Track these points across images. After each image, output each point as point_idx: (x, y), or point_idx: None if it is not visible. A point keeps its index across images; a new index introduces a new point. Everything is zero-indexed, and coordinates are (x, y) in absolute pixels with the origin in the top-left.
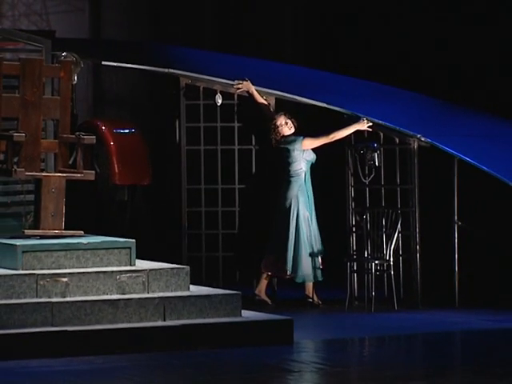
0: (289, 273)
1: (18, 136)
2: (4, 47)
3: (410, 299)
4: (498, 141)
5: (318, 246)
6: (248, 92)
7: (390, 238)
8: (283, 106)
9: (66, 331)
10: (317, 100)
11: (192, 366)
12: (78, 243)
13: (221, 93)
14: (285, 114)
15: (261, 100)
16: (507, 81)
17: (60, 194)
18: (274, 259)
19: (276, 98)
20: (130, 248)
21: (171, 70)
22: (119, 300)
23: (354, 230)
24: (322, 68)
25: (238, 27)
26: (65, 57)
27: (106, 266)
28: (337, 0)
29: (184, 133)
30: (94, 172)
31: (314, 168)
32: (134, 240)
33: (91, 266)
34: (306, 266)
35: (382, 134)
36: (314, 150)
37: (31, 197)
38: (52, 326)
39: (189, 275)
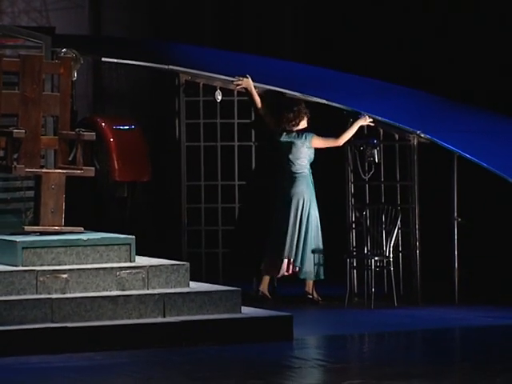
0: (297, 267)
1: (18, 132)
2: (4, 44)
3: (410, 296)
4: (497, 137)
5: (320, 244)
6: (246, 89)
7: (389, 235)
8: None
9: (65, 327)
10: (316, 97)
11: (192, 362)
12: (77, 239)
13: (220, 89)
14: (306, 108)
15: (257, 99)
16: (507, 80)
17: (60, 191)
18: (274, 260)
19: (274, 95)
20: (129, 244)
21: (171, 67)
22: (119, 296)
23: (353, 226)
24: (322, 65)
25: (238, 24)
26: (65, 53)
27: (106, 263)
28: None
29: (184, 129)
30: (93, 168)
31: (313, 166)
32: (133, 236)
33: (91, 263)
34: (309, 263)
35: (381, 131)
36: (317, 149)
37: (31, 193)
38: (52, 322)
39: (188, 271)
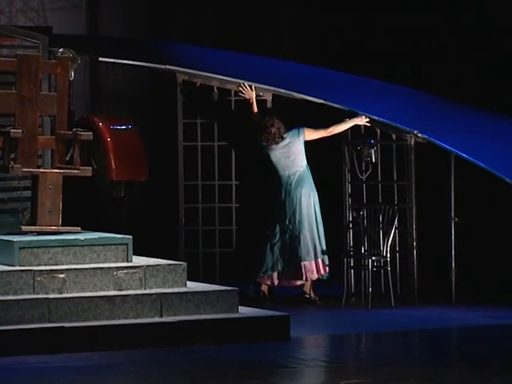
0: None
1: (15, 132)
2: (1, 43)
3: (407, 295)
4: (494, 137)
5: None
6: (247, 99)
7: (386, 235)
8: (281, 103)
9: (63, 327)
10: (314, 96)
11: (189, 362)
12: (74, 239)
13: (218, 89)
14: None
15: (256, 110)
16: (507, 80)
17: (57, 191)
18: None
19: (273, 95)
20: (126, 244)
21: (168, 67)
22: (116, 296)
23: (350, 226)
24: (321, 65)
25: (238, 24)
26: (62, 53)
27: (103, 263)
28: None
29: (181, 129)
30: (90, 168)
31: (311, 163)
32: (130, 236)
33: (88, 263)
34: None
35: (378, 131)
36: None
37: (28, 193)
38: (49, 322)
39: (186, 271)
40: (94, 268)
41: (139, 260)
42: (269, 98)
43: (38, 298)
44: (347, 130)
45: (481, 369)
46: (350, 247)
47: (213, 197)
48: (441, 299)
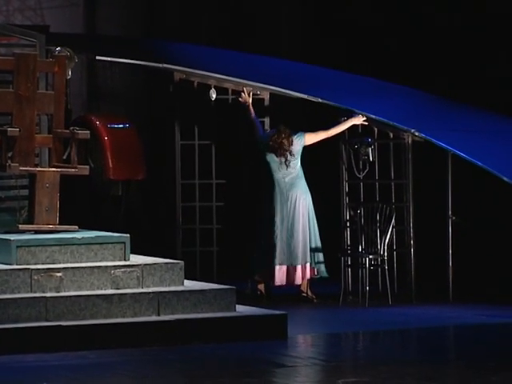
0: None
1: (12, 131)
2: None
3: (404, 294)
4: (492, 136)
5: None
6: (244, 102)
7: (384, 233)
8: (279, 102)
9: (60, 326)
10: (311, 95)
11: (186, 360)
12: (72, 238)
13: (215, 88)
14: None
15: (253, 115)
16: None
17: (54, 189)
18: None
19: (271, 93)
20: (124, 243)
21: (165, 65)
22: (113, 295)
23: (348, 224)
24: (319, 64)
25: (235, 23)
26: (59, 52)
27: (101, 261)
28: None
29: (178, 128)
30: (88, 167)
31: (309, 162)
32: (128, 235)
33: (85, 261)
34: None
35: (376, 129)
36: (310, 146)
37: (25, 192)
38: (46, 320)
39: (183, 270)
40: (91, 266)
41: (136, 258)
42: (266, 96)
43: (35, 297)
44: (346, 129)
45: (478, 367)
46: (348, 246)
47: (210, 195)
48: (438, 298)
